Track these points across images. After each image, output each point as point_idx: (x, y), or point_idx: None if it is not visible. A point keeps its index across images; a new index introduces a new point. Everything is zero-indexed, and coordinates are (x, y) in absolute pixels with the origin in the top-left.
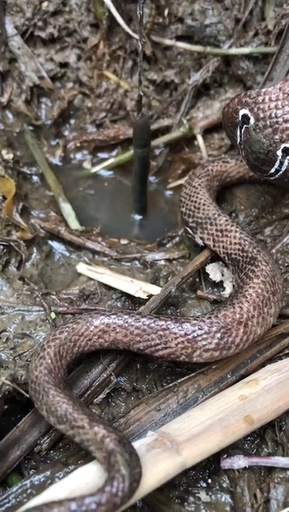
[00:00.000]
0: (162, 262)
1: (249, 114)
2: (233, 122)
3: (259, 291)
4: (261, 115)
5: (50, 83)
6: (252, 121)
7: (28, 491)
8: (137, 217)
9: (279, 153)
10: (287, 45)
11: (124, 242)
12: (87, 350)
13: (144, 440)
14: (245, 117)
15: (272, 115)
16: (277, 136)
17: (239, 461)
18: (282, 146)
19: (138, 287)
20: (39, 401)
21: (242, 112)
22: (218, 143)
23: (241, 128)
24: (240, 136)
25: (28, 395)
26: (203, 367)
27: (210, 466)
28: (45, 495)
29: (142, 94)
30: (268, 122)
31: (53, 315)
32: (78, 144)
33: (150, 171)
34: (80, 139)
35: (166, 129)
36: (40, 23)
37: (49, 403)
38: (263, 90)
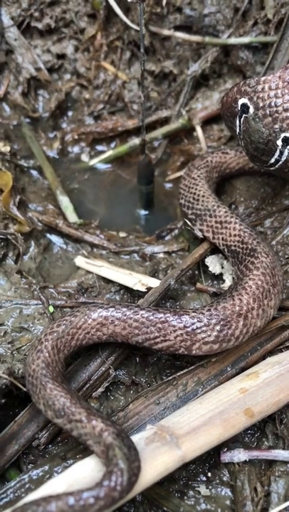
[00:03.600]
0: (161, 255)
1: (248, 103)
2: (232, 112)
3: (259, 283)
4: (261, 104)
5: (47, 75)
6: (251, 110)
7: (27, 486)
8: (143, 212)
9: (279, 142)
10: (288, 34)
11: (122, 235)
12: (86, 343)
13: (143, 434)
14: (245, 106)
15: (272, 104)
16: (277, 126)
17: (239, 455)
18: (282, 135)
19: (137, 280)
20: (36, 395)
21: (241, 101)
22: (217, 134)
23: (240, 117)
24: (240, 126)
25: (25, 389)
26: (203, 360)
27: (210, 460)
28: (43, 489)
29: (146, 139)
30: (267, 111)
31: (51, 308)
32: (76, 137)
33: None
34: (78, 131)
35: (165, 121)
36: (36, 14)
37: (46, 397)
38: (263, 79)
